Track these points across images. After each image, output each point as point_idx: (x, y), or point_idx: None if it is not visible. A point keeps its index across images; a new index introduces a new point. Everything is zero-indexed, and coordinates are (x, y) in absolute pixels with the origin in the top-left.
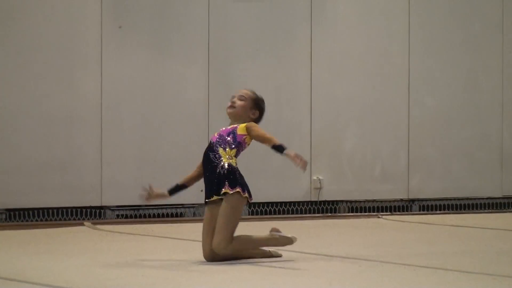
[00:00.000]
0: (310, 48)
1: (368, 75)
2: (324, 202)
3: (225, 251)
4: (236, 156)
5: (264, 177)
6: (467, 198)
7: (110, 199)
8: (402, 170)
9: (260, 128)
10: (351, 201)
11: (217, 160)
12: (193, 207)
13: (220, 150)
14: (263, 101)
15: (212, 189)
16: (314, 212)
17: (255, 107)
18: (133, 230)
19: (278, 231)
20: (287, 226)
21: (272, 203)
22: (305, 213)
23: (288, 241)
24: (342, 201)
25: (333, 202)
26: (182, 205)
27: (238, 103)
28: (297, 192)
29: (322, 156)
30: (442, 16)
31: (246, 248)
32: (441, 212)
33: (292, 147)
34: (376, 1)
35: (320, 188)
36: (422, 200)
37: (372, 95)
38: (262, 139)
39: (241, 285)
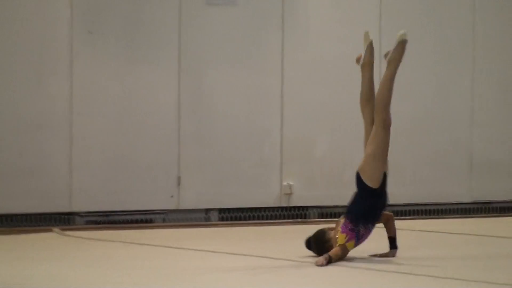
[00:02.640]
0: (282, 54)
1: (339, 81)
2: (295, 207)
3: None
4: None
5: (235, 182)
6: (437, 204)
7: (79, 205)
8: None
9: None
10: (321, 207)
11: None
12: (163, 213)
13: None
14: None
15: None
16: (284, 218)
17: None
18: (102, 236)
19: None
20: (257, 232)
21: (242, 209)
22: (276, 218)
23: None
24: (312, 206)
25: (303, 207)
26: (152, 211)
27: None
28: (268, 197)
29: (292, 162)
30: (413, 23)
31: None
32: (411, 217)
33: (263, 153)
34: (348, 8)
35: (290, 194)
36: (392, 205)
37: (344, 102)
38: None
39: None
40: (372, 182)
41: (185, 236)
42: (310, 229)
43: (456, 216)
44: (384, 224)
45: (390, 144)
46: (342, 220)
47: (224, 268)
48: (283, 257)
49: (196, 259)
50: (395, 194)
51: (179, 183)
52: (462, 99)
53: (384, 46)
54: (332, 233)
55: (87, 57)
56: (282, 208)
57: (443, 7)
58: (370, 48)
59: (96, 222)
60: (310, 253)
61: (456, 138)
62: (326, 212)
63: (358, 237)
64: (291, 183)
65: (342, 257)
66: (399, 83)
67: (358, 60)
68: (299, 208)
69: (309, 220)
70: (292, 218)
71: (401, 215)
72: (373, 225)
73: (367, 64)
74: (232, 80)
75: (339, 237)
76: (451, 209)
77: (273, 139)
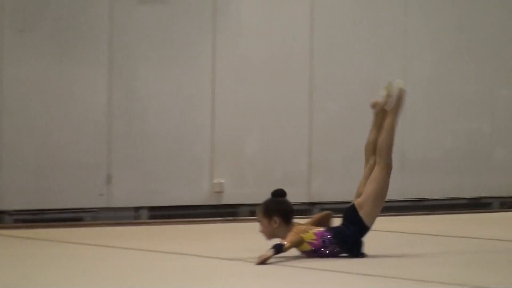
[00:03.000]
0: (213, 53)
1: (270, 80)
2: (225, 206)
3: None
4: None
5: (165, 181)
6: None
7: (8, 203)
8: (304, 173)
9: (290, 236)
10: (252, 205)
11: None
12: (93, 211)
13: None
14: (272, 202)
15: None
16: (215, 216)
17: (270, 216)
18: (31, 235)
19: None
20: (187, 230)
21: (173, 207)
22: (206, 217)
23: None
24: (243, 204)
25: (234, 205)
26: (82, 209)
27: (261, 229)
28: (198, 196)
29: (223, 160)
30: (345, 22)
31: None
32: (341, 215)
33: (193, 152)
34: (279, 7)
35: (221, 192)
36: (323, 203)
37: (274, 100)
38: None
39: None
40: (368, 219)
41: (115, 234)
42: (240, 228)
43: (387, 214)
44: (321, 222)
45: (318, 142)
46: (320, 229)
47: (153, 266)
48: (213, 256)
49: (126, 257)
50: (325, 191)
51: (109, 181)
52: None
53: (315, 46)
54: (296, 227)
55: (17, 55)
56: (212, 206)
57: (376, 7)
58: (400, 97)
59: (25, 221)
60: (240, 251)
61: None
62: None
63: (318, 251)
64: (222, 181)
65: (295, 243)
66: (330, 82)
67: (374, 105)
68: (230, 206)
69: (239, 218)
70: (223, 216)
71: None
72: (338, 254)
73: (388, 112)
74: (163, 78)
75: (308, 234)
76: (382, 207)
77: (204, 137)
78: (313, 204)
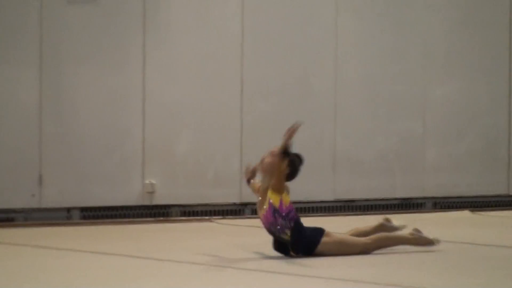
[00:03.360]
0: (143, 53)
1: (201, 80)
2: (157, 206)
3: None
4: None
5: (97, 181)
6: (300, 202)
7: None
8: (235, 174)
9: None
10: (183, 205)
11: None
12: (25, 211)
13: (285, 236)
14: (297, 156)
15: None
16: (146, 216)
17: (287, 158)
18: None
19: (419, 231)
20: (119, 231)
21: (104, 208)
22: (138, 217)
23: (429, 241)
24: (174, 205)
25: (165, 206)
26: (13, 210)
27: (266, 158)
28: (130, 196)
29: (154, 160)
30: (276, 22)
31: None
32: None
33: (124, 152)
34: (210, 7)
35: (152, 192)
36: (254, 204)
37: (206, 100)
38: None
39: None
40: (320, 249)
41: (47, 235)
42: (172, 228)
43: (320, 214)
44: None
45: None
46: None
47: (85, 267)
48: (144, 256)
49: (58, 258)
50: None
51: (41, 182)
52: (325, 96)
53: (245, 46)
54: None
55: None
56: (144, 206)
57: (307, 7)
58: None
59: None
60: (172, 251)
61: (319, 135)
62: (188, 211)
63: (277, 213)
64: (153, 181)
65: (280, 181)
66: (261, 82)
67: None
68: (161, 206)
69: (171, 218)
70: (155, 217)
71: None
72: (280, 233)
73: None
74: (93, 79)
75: (287, 198)
76: (314, 207)
77: (135, 138)
78: (244, 204)
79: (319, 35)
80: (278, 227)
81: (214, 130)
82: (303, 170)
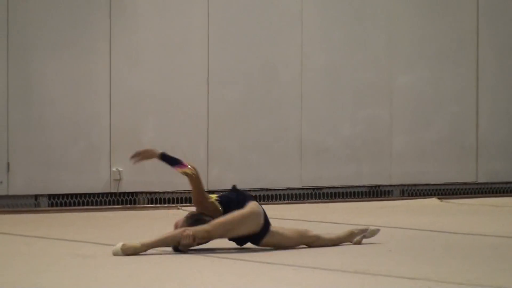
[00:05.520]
0: (109, 39)
1: (167, 67)
2: (124, 193)
3: None
4: None
5: (64, 168)
6: (267, 189)
7: None
8: (202, 161)
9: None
10: (150, 193)
11: None
12: None
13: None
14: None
15: None
16: (113, 204)
17: None
18: None
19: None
20: (86, 218)
21: (71, 195)
22: (105, 204)
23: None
24: (141, 192)
25: (132, 193)
26: None
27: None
28: (97, 183)
29: (121, 147)
30: (241, 8)
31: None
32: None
33: (91, 140)
34: None
35: (119, 180)
36: (221, 191)
37: (172, 88)
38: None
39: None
40: (263, 242)
41: (15, 222)
42: (139, 215)
43: (287, 202)
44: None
45: (215, 130)
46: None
47: (52, 253)
48: (111, 243)
49: (25, 245)
50: (223, 179)
51: (8, 169)
52: (291, 85)
53: (211, 34)
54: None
55: None
56: (111, 194)
57: None
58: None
59: None
60: (138, 238)
61: (285, 123)
62: (155, 198)
63: None
64: (120, 169)
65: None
66: (227, 70)
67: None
68: (128, 194)
69: (138, 206)
70: (122, 204)
71: None
72: None
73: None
74: (60, 65)
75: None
76: (281, 195)
77: (101, 125)
78: (212, 192)
79: (284, 23)
80: None
81: (180, 118)
82: (270, 156)
